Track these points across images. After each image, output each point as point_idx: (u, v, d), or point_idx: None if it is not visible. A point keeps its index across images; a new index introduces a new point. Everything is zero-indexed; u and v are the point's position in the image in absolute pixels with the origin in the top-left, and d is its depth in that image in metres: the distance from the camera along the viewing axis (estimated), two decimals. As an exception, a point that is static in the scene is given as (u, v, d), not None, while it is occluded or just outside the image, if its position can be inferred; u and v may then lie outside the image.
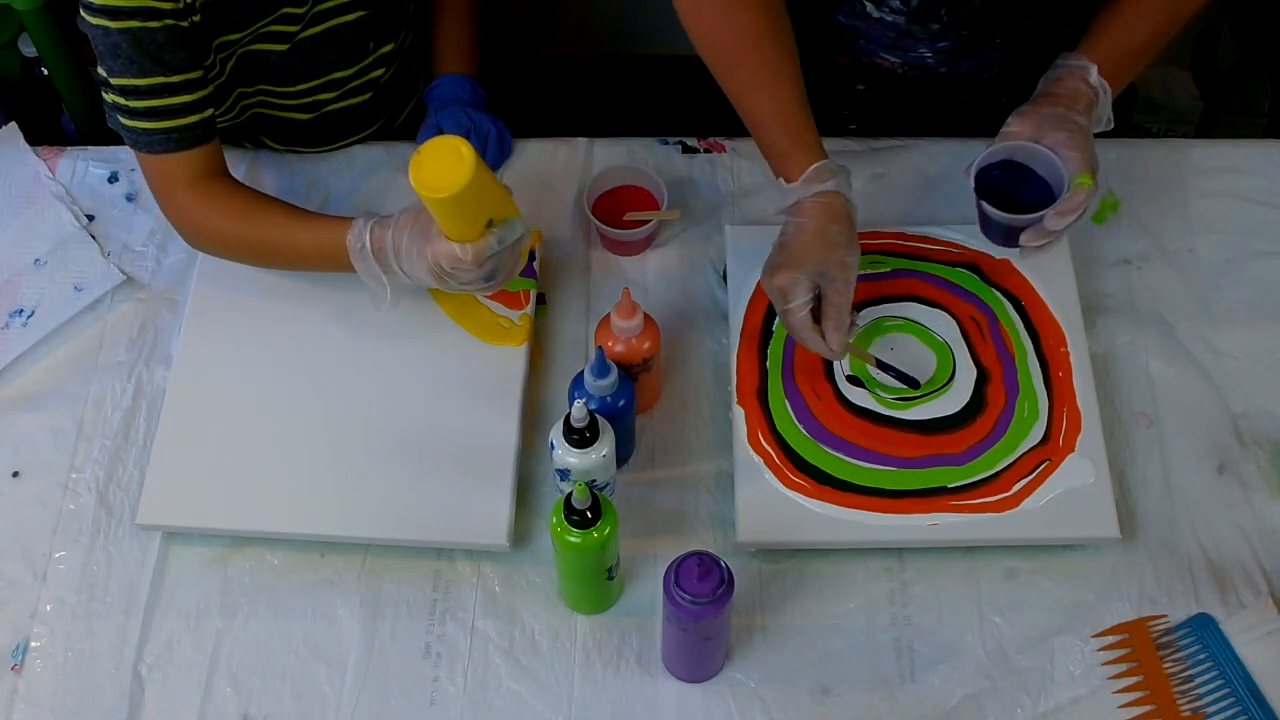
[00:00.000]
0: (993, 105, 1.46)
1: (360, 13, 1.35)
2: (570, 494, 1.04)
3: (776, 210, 1.21)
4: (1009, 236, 1.23)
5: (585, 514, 1.04)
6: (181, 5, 1.17)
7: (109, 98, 1.21)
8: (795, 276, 1.17)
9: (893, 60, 1.38)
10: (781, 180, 1.20)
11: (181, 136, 1.22)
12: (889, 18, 1.32)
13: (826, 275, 1.17)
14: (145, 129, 1.21)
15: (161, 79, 1.18)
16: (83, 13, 1.17)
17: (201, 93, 1.22)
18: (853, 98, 1.46)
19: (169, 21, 1.17)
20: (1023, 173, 1.23)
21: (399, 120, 1.53)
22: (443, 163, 1.03)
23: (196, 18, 1.20)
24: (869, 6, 1.32)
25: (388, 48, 1.42)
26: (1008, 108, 1.25)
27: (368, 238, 1.17)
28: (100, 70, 1.20)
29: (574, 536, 1.05)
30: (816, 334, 1.19)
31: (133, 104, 1.19)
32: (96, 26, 1.16)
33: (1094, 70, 1.24)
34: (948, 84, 1.41)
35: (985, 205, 1.21)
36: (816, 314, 1.19)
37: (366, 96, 1.44)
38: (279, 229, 1.23)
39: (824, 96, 1.46)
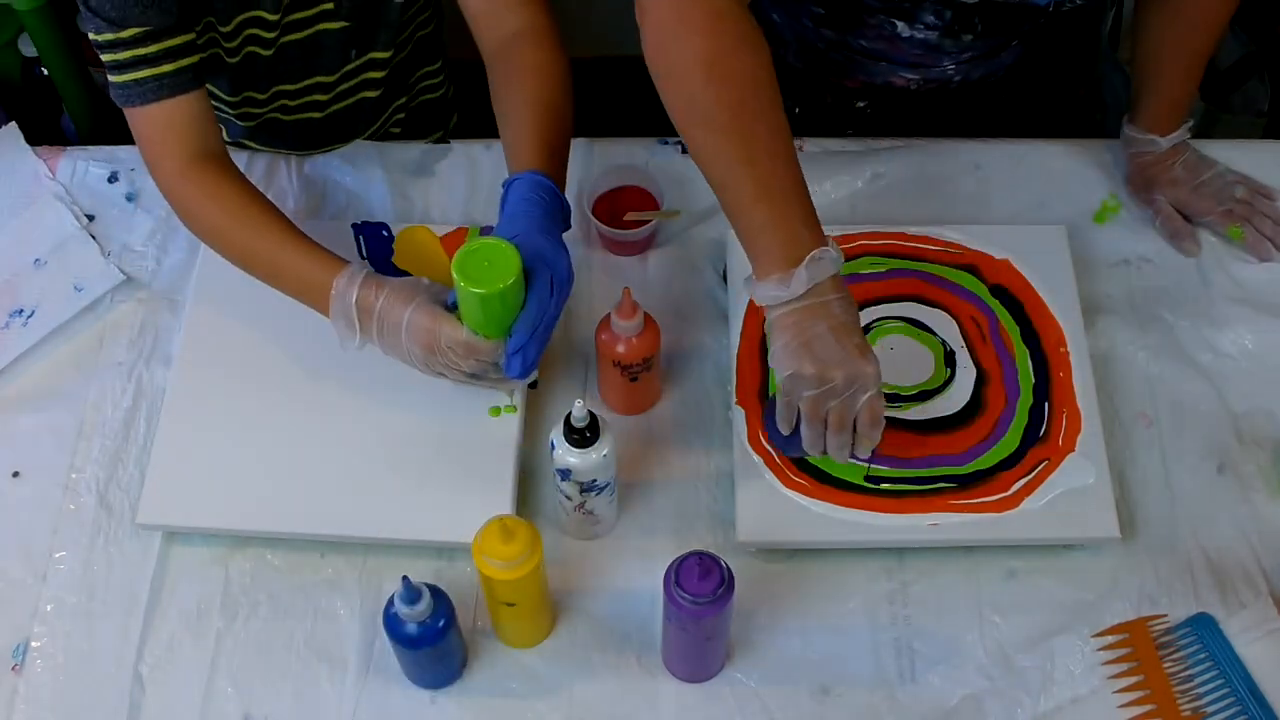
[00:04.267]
0: (995, 107, 1.47)
1: (342, 23, 1.34)
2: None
3: (772, 307, 1.08)
4: None
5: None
6: None
7: (104, 59, 1.19)
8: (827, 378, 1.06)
9: (910, 78, 1.38)
10: (770, 274, 1.06)
11: (168, 82, 1.19)
12: (920, 34, 1.31)
13: (859, 384, 1.08)
14: (133, 80, 1.18)
15: (143, 29, 1.17)
16: None
17: (185, 37, 1.20)
18: (852, 114, 1.46)
19: None
20: None
21: (388, 126, 1.53)
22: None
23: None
24: (899, 26, 1.31)
25: (373, 56, 1.40)
26: (1010, 109, 1.26)
27: (356, 292, 1.14)
28: (92, 37, 1.19)
29: (479, 287, 1.06)
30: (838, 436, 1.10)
31: (120, 56, 1.18)
32: None
33: (1160, 141, 1.36)
34: (958, 93, 1.41)
35: None
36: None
37: (363, 99, 1.44)
38: (269, 243, 1.20)
39: (823, 115, 1.47)
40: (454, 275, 1.07)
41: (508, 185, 1.18)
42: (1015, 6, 1.26)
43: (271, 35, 1.31)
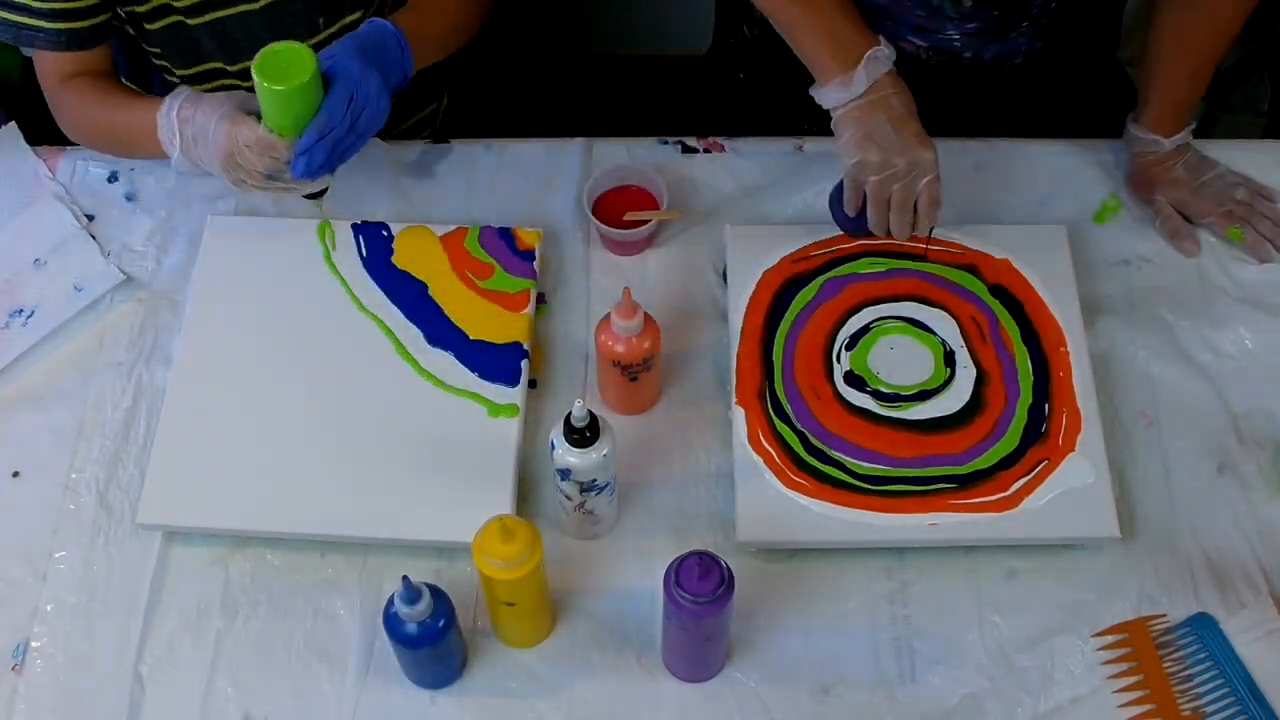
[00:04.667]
0: (1013, 97, 1.46)
1: None
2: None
3: (835, 108, 1.23)
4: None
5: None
6: None
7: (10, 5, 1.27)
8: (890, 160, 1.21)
9: (919, 44, 1.38)
10: (832, 78, 1.22)
11: (73, 36, 1.29)
12: None
13: (919, 168, 1.22)
14: (47, 28, 1.27)
15: None
16: None
17: (83, 2, 1.27)
18: None
19: None
20: None
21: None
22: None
23: None
24: None
25: (346, 20, 1.40)
26: (1028, 100, 1.27)
27: (177, 106, 1.23)
28: None
29: (278, 85, 1.14)
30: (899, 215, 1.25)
31: (37, 4, 1.26)
32: None
33: (1164, 142, 1.37)
34: (971, 72, 1.41)
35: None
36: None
37: None
38: (119, 111, 1.30)
39: None
40: (252, 72, 1.14)
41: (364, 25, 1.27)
42: None
43: (188, 3, 1.33)
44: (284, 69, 1.15)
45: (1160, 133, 1.37)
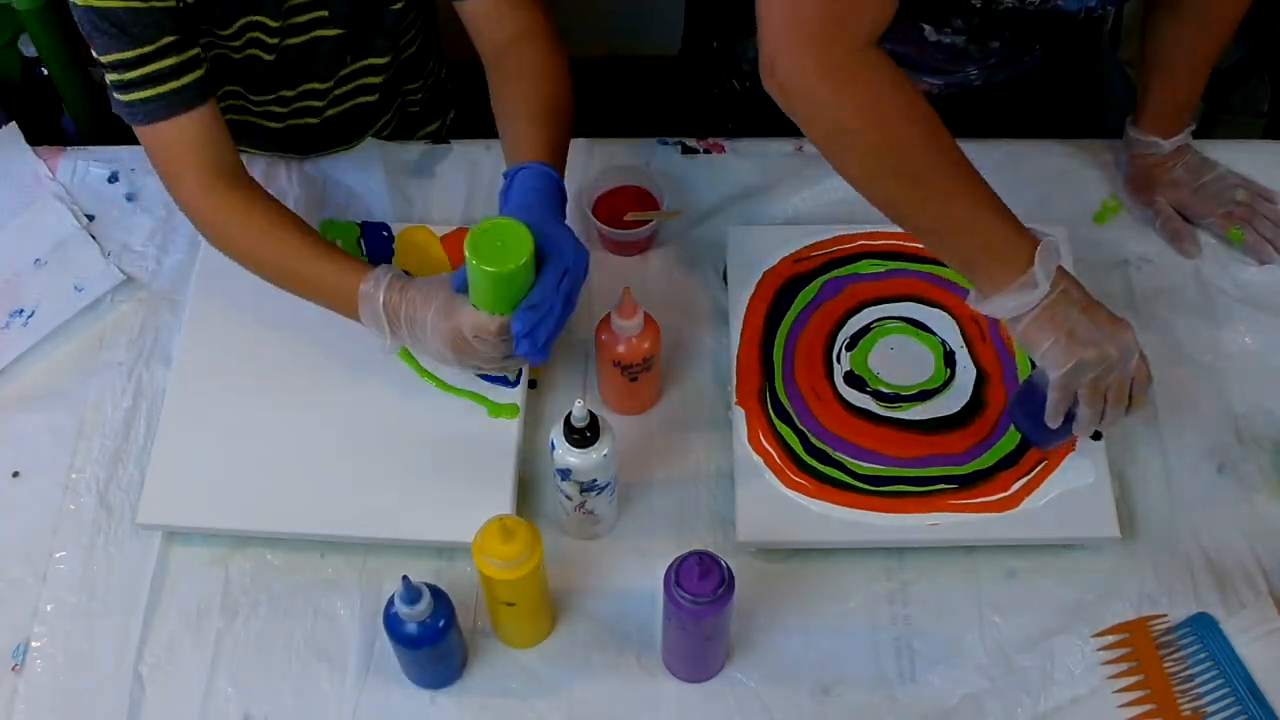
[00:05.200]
0: (1013, 107, 1.46)
1: (338, 30, 1.33)
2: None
3: (1022, 317, 1.07)
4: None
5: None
6: None
7: (109, 79, 1.19)
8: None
9: (932, 83, 1.38)
10: (1008, 288, 1.06)
11: (176, 98, 1.19)
12: (948, 39, 1.31)
13: (1126, 353, 1.09)
14: (141, 99, 1.18)
15: (151, 46, 1.17)
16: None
17: (191, 52, 1.20)
18: None
19: (159, 4, 1.17)
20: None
21: (385, 132, 1.52)
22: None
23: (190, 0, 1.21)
24: (927, 30, 1.30)
25: (370, 62, 1.40)
26: (1027, 109, 1.26)
27: (382, 296, 1.15)
28: (103, 58, 1.19)
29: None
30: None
31: (126, 76, 1.18)
32: (85, 8, 1.15)
33: (1163, 144, 1.36)
34: (980, 97, 1.41)
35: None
36: None
37: (362, 102, 1.44)
38: (298, 259, 1.20)
39: None
40: (466, 253, 1.07)
41: (511, 175, 1.18)
42: (1045, 14, 1.25)
43: (273, 41, 1.30)
44: (498, 248, 1.07)
45: (1159, 135, 1.37)
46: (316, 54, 1.35)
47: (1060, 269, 1.07)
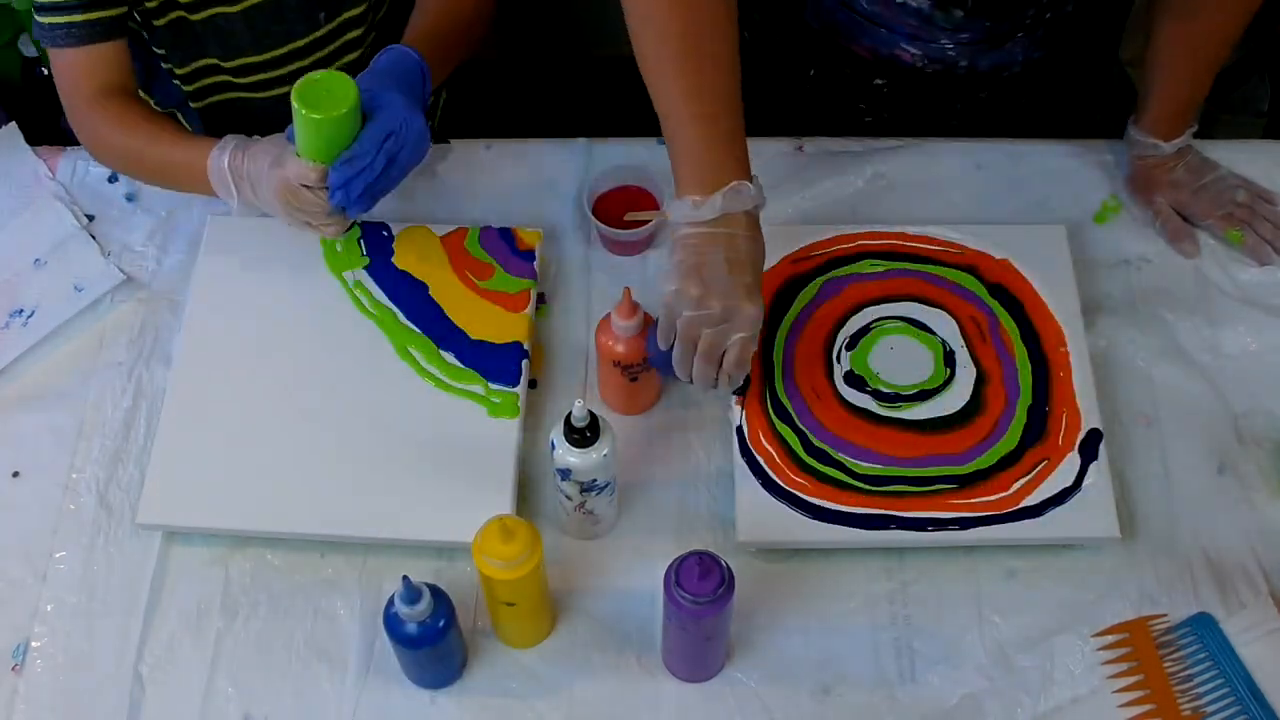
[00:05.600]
0: (1012, 106, 1.46)
1: None
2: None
3: (679, 225, 1.11)
4: None
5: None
6: None
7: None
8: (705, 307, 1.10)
9: (913, 53, 1.38)
10: (688, 195, 1.10)
11: (85, 30, 1.27)
12: (913, 3, 1.31)
13: (737, 321, 1.11)
14: (62, 22, 1.27)
15: None
16: None
17: None
18: (871, 92, 1.46)
19: None
20: None
21: None
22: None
23: None
24: None
25: (348, 15, 1.41)
26: (1027, 109, 1.26)
27: (226, 158, 1.24)
28: None
29: (317, 114, 1.14)
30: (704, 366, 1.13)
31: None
32: None
33: (1164, 145, 1.36)
34: (968, 81, 1.41)
35: None
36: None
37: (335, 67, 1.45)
38: (161, 146, 1.29)
39: (842, 89, 1.47)
40: (292, 100, 1.14)
41: (380, 53, 1.28)
42: None
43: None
44: (324, 97, 1.15)
45: (1160, 136, 1.37)
46: (284, 10, 1.36)
47: (751, 222, 1.11)
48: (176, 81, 1.42)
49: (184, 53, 1.39)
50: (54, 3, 1.26)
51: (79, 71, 1.30)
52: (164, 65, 1.41)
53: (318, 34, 1.40)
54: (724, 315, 1.10)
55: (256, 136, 1.27)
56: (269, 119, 1.42)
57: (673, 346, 1.13)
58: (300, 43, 1.40)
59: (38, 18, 1.28)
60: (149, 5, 1.33)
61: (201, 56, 1.38)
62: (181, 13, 1.34)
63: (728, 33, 1.13)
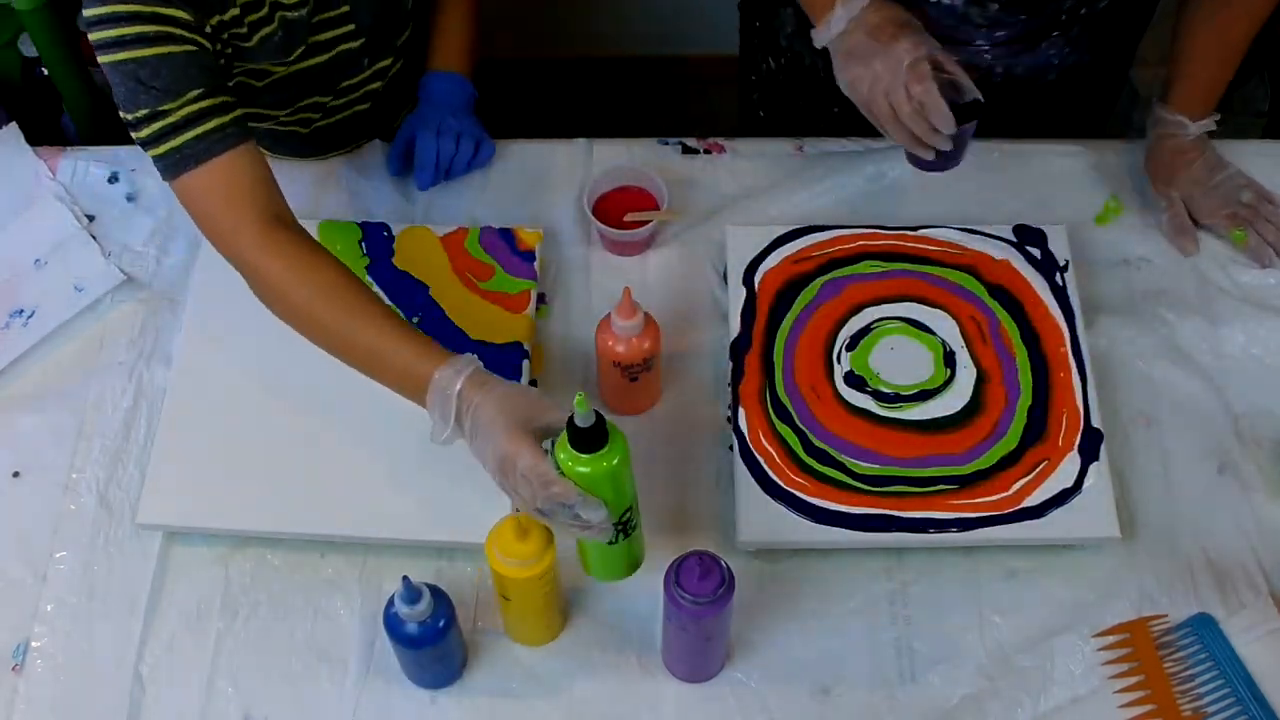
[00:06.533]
0: (1046, 113, 1.45)
1: (360, 40, 1.34)
2: (571, 414, 0.96)
3: (826, 40, 1.22)
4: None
5: (592, 434, 0.96)
6: (207, 29, 1.15)
7: (140, 135, 1.13)
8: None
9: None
10: (822, 17, 1.22)
11: (226, 133, 1.12)
12: (947, 0, 1.31)
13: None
14: (190, 139, 1.11)
15: (192, 91, 1.12)
16: (100, 58, 1.11)
17: (225, 97, 1.14)
18: None
19: (191, 48, 1.12)
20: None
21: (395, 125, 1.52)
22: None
23: (221, 47, 1.19)
24: None
25: (384, 63, 1.41)
26: (1061, 117, 1.24)
27: (459, 385, 1.06)
28: (125, 115, 1.13)
29: (584, 466, 0.97)
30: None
31: (168, 122, 1.11)
32: (119, 63, 1.10)
33: (1189, 125, 1.36)
34: (1004, 90, 1.40)
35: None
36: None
37: (365, 107, 1.44)
38: (374, 337, 1.10)
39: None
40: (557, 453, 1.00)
41: (424, 82, 1.39)
42: None
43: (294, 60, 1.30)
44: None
45: (1187, 115, 1.36)
46: (340, 63, 1.35)
47: (876, 6, 1.20)
48: None
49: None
50: (180, 119, 1.11)
51: (231, 191, 1.13)
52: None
53: (360, 77, 1.39)
54: (888, 68, 1.17)
55: (476, 366, 1.07)
56: (288, 144, 1.44)
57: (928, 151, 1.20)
58: (344, 84, 1.39)
59: (154, 151, 1.12)
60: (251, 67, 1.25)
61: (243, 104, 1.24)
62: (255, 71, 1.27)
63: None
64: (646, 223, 1.34)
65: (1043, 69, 1.40)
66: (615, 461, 0.99)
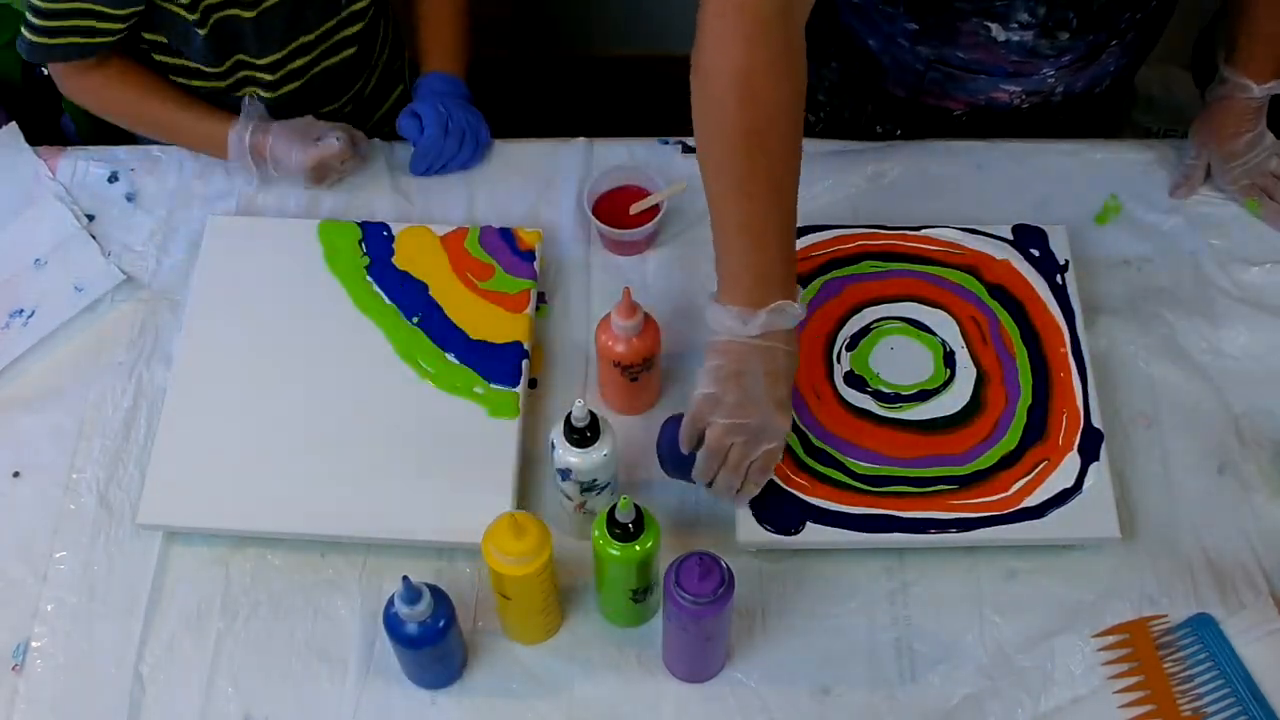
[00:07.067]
0: (1088, 120, 1.44)
1: None
2: (614, 507, 1.04)
3: (719, 333, 1.10)
4: None
5: (628, 527, 1.04)
6: None
7: (28, 17, 1.32)
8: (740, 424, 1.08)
9: (1013, 90, 1.37)
10: (730, 305, 1.08)
11: (90, 48, 1.35)
12: (1016, 37, 1.29)
13: (768, 433, 1.09)
14: (58, 44, 1.33)
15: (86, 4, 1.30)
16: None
17: (118, 25, 1.33)
18: (955, 127, 1.45)
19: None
20: None
21: (372, 82, 1.56)
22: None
23: None
24: (994, 29, 1.29)
25: (360, 4, 1.44)
26: (1103, 120, 1.22)
27: (247, 137, 1.37)
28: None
29: (615, 549, 1.05)
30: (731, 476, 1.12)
31: (47, 23, 1.31)
32: None
33: (1255, 88, 1.32)
34: (1061, 109, 1.39)
35: None
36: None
37: (352, 51, 1.47)
38: (169, 112, 1.40)
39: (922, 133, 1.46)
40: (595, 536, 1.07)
41: (419, 83, 1.45)
42: None
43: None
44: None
45: (1252, 77, 1.33)
46: (307, 6, 1.40)
47: (790, 338, 1.09)
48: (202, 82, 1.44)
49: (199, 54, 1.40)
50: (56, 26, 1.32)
51: (82, 68, 1.38)
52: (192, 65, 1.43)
53: (340, 16, 1.43)
54: (759, 426, 1.08)
55: (259, 118, 1.38)
56: (282, 105, 1.45)
57: (690, 451, 1.12)
58: (325, 27, 1.43)
59: (31, 38, 1.33)
60: (191, 17, 1.34)
61: (225, 52, 1.40)
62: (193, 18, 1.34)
63: (793, 128, 1.09)
64: (651, 215, 1.34)
65: (1099, 79, 1.39)
66: (649, 546, 1.06)
